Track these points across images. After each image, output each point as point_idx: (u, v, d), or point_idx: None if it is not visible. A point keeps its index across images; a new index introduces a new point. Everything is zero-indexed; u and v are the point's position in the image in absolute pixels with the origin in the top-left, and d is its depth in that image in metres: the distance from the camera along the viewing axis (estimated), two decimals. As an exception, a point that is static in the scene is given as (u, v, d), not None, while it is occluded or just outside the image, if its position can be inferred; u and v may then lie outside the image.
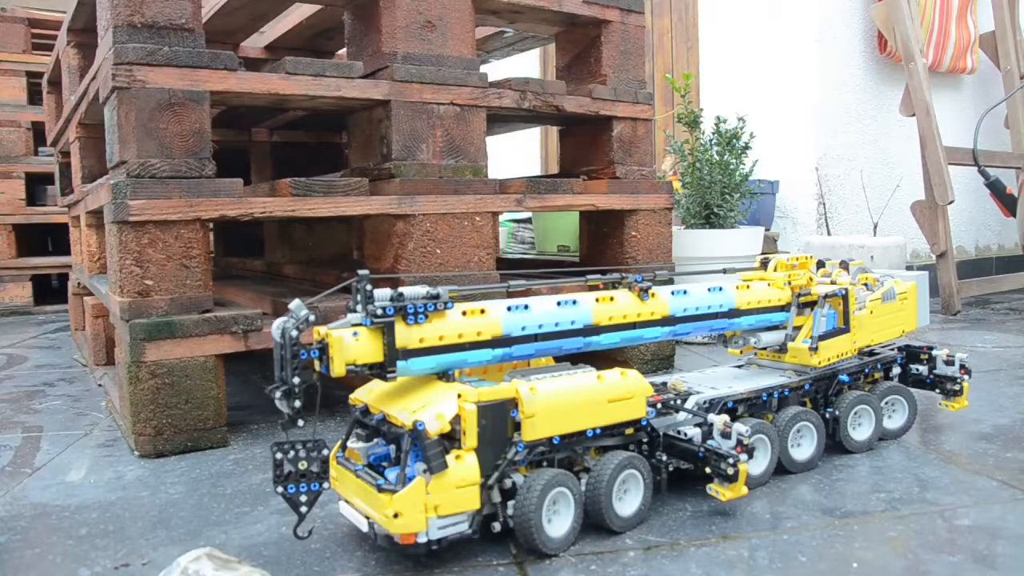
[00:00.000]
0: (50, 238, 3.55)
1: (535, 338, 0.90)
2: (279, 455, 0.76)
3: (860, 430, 1.12)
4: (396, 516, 0.74)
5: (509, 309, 0.89)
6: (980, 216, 3.27)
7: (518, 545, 0.84)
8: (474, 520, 0.79)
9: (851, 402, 1.10)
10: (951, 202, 2.42)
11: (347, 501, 0.83)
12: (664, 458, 0.93)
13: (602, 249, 1.73)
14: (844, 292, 1.13)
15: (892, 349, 1.22)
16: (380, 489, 0.76)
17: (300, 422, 0.76)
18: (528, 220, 3.04)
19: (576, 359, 0.98)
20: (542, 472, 0.82)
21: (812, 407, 1.09)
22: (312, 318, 0.76)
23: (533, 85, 1.53)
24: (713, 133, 2.14)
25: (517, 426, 0.81)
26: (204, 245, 1.22)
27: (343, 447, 0.87)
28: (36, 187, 3.23)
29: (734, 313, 1.08)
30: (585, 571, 0.78)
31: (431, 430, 0.76)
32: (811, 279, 1.15)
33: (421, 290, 0.83)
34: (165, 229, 1.18)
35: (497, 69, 2.07)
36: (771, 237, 2.76)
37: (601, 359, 1.60)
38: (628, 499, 0.88)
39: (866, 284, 1.20)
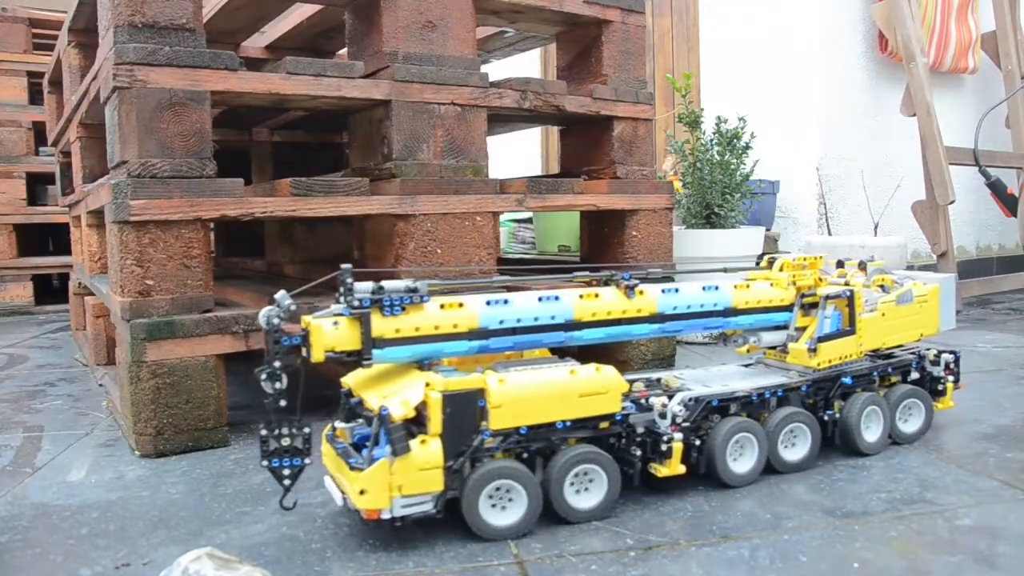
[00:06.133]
0: (51, 238, 3.55)
1: (513, 331, 0.94)
2: (264, 432, 0.83)
3: (869, 432, 1.10)
4: (362, 493, 0.81)
5: (488, 303, 0.92)
6: (981, 216, 3.27)
7: (519, 545, 0.84)
8: (438, 501, 0.84)
9: (860, 404, 1.08)
10: (952, 202, 2.42)
11: (331, 476, 0.89)
12: (638, 453, 0.94)
13: (603, 249, 1.73)
14: (849, 293, 1.11)
15: (912, 353, 1.19)
16: (351, 467, 0.83)
17: (282, 402, 0.83)
18: (529, 220, 3.04)
19: (581, 356, 0.99)
20: (485, 463, 0.85)
21: (813, 408, 1.08)
22: (294, 307, 0.83)
23: (534, 85, 1.53)
24: (714, 133, 2.14)
25: (486, 415, 0.85)
26: (205, 245, 1.22)
27: (334, 427, 0.93)
28: (37, 187, 3.23)
29: (730, 312, 1.08)
30: (586, 571, 0.78)
31: (395, 415, 0.81)
32: (819, 279, 1.14)
33: (401, 284, 0.88)
34: (166, 229, 1.18)
35: (498, 69, 2.06)
36: (772, 237, 2.76)
37: (604, 356, 1.60)
38: (589, 494, 0.90)
39: (882, 286, 1.18)
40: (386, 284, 0.87)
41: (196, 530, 0.90)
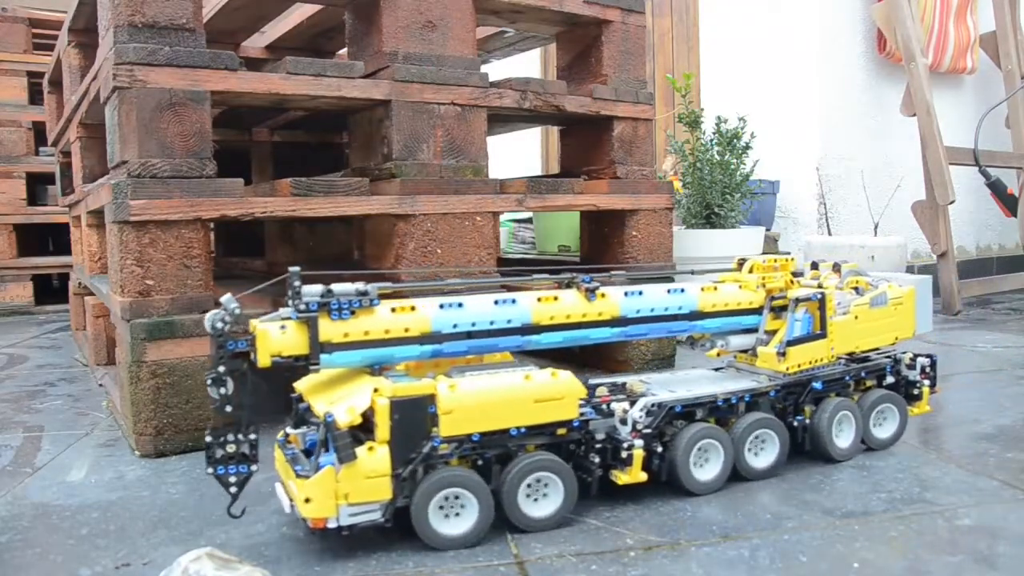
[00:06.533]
0: (51, 238, 3.55)
1: (468, 335, 0.91)
2: (209, 438, 0.81)
3: (840, 438, 1.07)
4: (307, 501, 0.79)
5: (441, 307, 0.90)
6: (981, 216, 3.27)
7: (519, 545, 0.84)
8: (387, 510, 0.82)
9: (832, 410, 1.05)
10: (952, 202, 2.42)
11: (282, 483, 0.88)
12: (596, 460, 0.91)
13: (603, 249, 1.73)
14: (820, 296, 1.07)
15: (888, 356, 1.16)
16: (297, 474, 0.82)
17: (228, 407, 0.81)
18: (529, 220, 3.04)
19: (581, 356, 0.97)
20: (436, 471, 0.84)
21: (783, 414, 1.05)
22: (239, 311, 0.81)
23: (534, 85, 1.53)
24: (714, 133, 2.14)
25: (436, 421, 0.83)
26: (205, 245, 1.22)
27: (286, 432, 0.91)
28: (37, 187, 3.23)
29: (696, 315, 1.05)
30: (586, 571, 0.78)
31: (341, 422, 0.79)
32: (790, 281, 1.11)
33: (350, 287, 0.86)
34: (166, 229, 1.18)
35: (498, 69, 2.07)
36: (772, 237, 2.76)
37: (604, 357, 1.60)
38: (545, 502, 0.88)
39: (856, 288, 1.15)
40: (335, 287, 0.85)
41: (196, 530, 0.90)
